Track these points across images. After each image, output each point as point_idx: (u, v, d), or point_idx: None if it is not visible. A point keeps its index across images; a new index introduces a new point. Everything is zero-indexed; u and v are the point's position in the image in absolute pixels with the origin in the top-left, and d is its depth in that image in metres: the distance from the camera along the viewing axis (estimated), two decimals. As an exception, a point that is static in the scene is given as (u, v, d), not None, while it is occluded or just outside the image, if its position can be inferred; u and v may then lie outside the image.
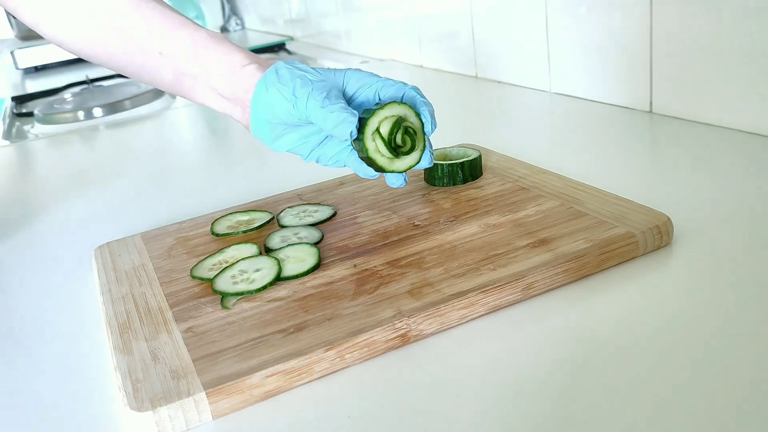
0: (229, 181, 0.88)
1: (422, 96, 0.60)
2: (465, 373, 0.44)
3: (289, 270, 0.55)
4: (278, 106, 0.59)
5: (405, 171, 0.59)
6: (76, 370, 0.51)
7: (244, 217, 0.68)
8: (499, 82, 1.20)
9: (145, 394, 0.43)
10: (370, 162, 0.58)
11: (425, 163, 0.59)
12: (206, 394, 0.42)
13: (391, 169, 0.58)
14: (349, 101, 0.61)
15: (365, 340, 0.46)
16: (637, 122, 0.88)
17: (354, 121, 0.56)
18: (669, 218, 0.55)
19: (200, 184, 0.90)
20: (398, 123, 0.57)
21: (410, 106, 0.58)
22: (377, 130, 0.57)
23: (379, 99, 0.60)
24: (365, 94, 0.61)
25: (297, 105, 0.58)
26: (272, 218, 0.67)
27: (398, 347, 0.47)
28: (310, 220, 0.66)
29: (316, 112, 0.57)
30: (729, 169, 0.69)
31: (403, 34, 1.47)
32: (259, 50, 1.86)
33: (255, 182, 0.86)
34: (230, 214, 0.69)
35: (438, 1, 1.31)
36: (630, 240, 0.54)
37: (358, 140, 0.57)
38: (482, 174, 0.71)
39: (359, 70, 0.62)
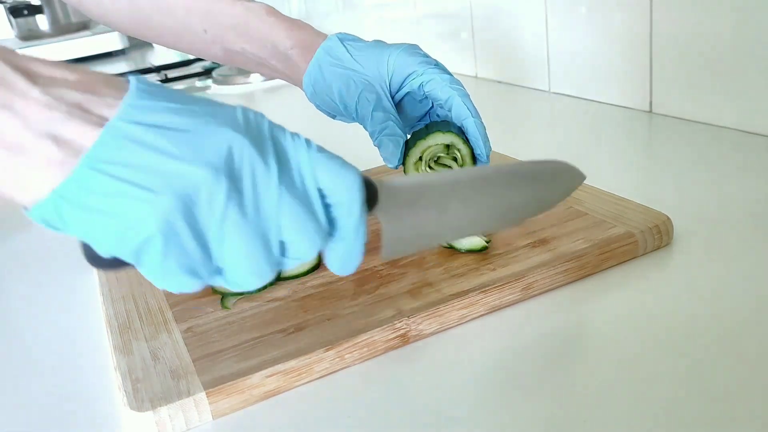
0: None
1: (471, 106, 0.57)
2: (465, 373, 0.44)
3: (289, 270, 0.55)
4: (330, 107, 0.61)
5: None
6: (76, 370, 0.51)
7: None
8: (499, 82, 1.20)
9: (145, 394, 0.43)
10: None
11: None
12: (206, 394, 0.42)
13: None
14: (394, 95, 0.59)
15: (365, 340, 0.46)
16: (636, 122, 0.88)
17: (399, 156, 0.55)
18: (669, 218, 0.55)
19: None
20: (443, 151, 0.56)
21: (457, 134, 0.55)
22: (420, 158, 0.56)
23: (424, 93, 0.58)
24: (411, 84, 0.59)
25: (347, 111, 0.59)
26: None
27: (398, 347, 0.47)
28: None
29: (366, 125, 0.57)
30: (729, 169, 0.69)
31: (403, 34, 1.47)
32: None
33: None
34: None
35: (438, 1, 1.31)
36: (629, 240, 0.54)
37: (402, 163, 0.57)
38: (482, 174, 0.71)
39: (405, 50, 0.59)
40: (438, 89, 0.57)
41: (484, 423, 0.39)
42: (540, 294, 0.51)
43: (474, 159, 0.58)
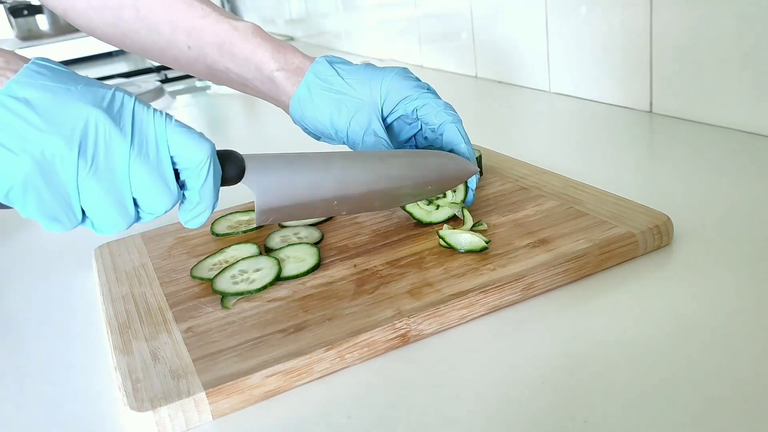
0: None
1: (463, 132, 0.58)
2: (465, 373, 0.44)
3: (289, 270, 0.55)
4: (317, 130, 0.61)
5: (442, 222, 0.60)
6: (76, 370, 0.51)
7: (244, 217, 0.68)
8: (499, 82, 1.20)
9: (145, 394, 0.43)
10: (405, 211, 0.59)
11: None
12: (206, 394, 0.42)
13: (428, 220, 0.59)
14: (385, 118, 0.60)
15: (365, 340, 0.46)
16: (637, 122, 0.88)
17: None
18: (669, 218, 0.55)
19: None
20: None
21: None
22: None
23: (417, 117, 0.59)
24: (404, 108, 0.60)
25: (337, 135, 0.60)
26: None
27: (398, 347, 0.47)
28: (311, 220, 0.65)
29: (356, 148, 0.58)
30: (729, 169, 0.69)
31: (403, 34, 1.47)
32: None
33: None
34: (230, 214, 0.69)
35: (438, 1, 1.31)
36: (630, 240, 0.54)
37: None
38: (482, 174, 0.71)
39: (398, 74, 0.60)
40: (432, 114, 0.59)
41: (484, 423, 0.39)
42: (540, 294, 0.51)
43: (465, 184, 0.59)
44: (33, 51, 2.15)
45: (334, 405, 0.43)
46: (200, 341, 0.48)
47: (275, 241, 0.61)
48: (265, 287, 0.53)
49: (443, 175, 0.57)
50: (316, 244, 0.60)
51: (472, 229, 0.58)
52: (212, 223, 0.67)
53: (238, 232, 0.65)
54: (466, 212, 0.60)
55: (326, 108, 0.59)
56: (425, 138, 0.63)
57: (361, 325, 0.47)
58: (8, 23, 2.48)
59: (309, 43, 1.95)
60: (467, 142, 0.59)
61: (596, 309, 0.49)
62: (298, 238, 0.61)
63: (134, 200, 0.43)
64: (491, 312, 0.50)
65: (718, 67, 0.78)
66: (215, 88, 1.49)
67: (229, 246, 0.61)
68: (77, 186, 0.41)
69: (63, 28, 2.45)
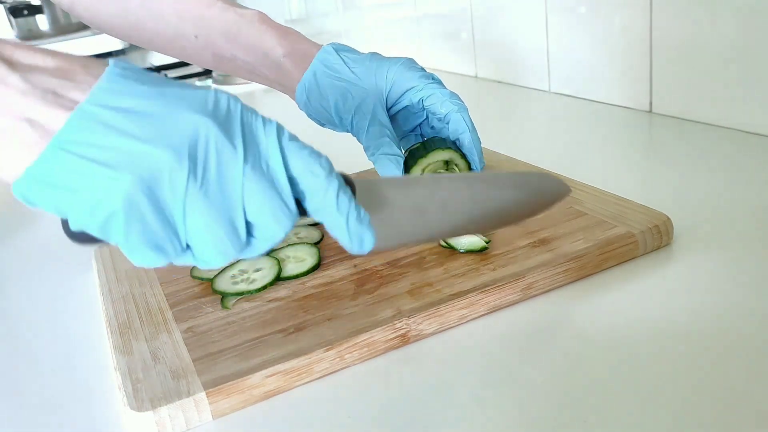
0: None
1: (468, 121, 0.59)
2: (465, 373, 0.44)
3: (289, 270, 0.55)
4: (322, 117, 0.60)
5: None
6: (76, 370, 0.51)
7: (244, 217, 0.68)
8: (499, 82, 1.20)
9: (145, 394, 0.43)
10: None
11: None
12: (206, 394, 0.42)
13: None
14: (390, 108, 0.60)
15: (365, 340, 0.46)
16: (637, 122, 0.88)
17: (399, 171, 0.56)
18: (669, 218, 0.55)
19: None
20: (443, 167, 0.57)
21: (455, 150, 0.58)
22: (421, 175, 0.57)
23: (423, 106, 0.60)
24: (409, 98, 0.60)
25: (341, 124, 0.59)
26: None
27: (398, 347, 0.47)
28: (311, 220, 0.65)
29: (361, 139, 0.58)
30: (729, 169, 0.69)
31: (403, 34, 1.47)
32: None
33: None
34: (230, 214, 0.69)
35: (438, 1, 1.31)
36: (630, 240, 0.54)
37: None
38: (482, 174, 0.71)
39: (404, 65, 0.60)
40: (438, 104, 0.59)
41: (484, 423, 0.39)
42: (540, 294, 0.51)
43: (468, 166, 0.59)
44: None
45: (334, 405, 0.43)
46: (200, 341, 0.48)
47: (275, 241, 0.61)
48: (265, 287, 0.53)
49: (541, 196, 0.52)
50: (316, 244, 0.60)
51: None
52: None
53: (238, 232, 0.65)
54: None
55: (331, 96, 0.59)
56: (432, 128, 0.63)
57: (361, 325, 0.47)
58: (8, 23, 2.48)
59: (309, 43, 1.94)
60: (473, 130, 0.59)
61: (596, 309, 0.49)
62: (298, 238, 0.61)
63: (247, 224, 0.37)
64: (491, 312, 0.50)
65: (718, 67, 0.78)
66: (215, 88, 1.49)
67: (229, 246, 0.61)
68: (184, 208, 0.34)
69: (63, 28, 2.45)
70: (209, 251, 0.36)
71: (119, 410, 0.45)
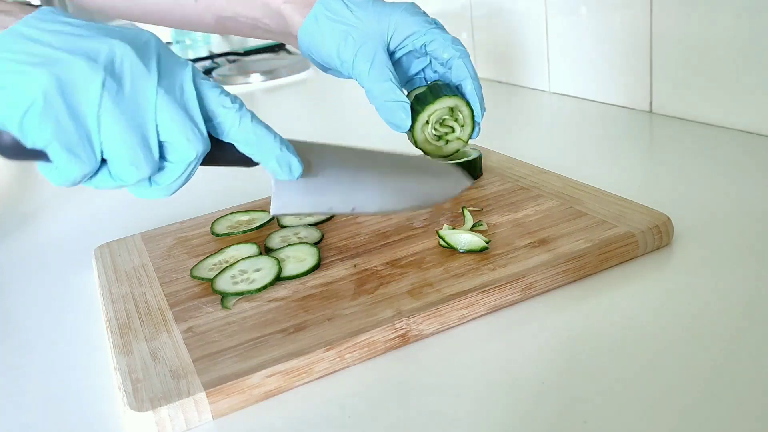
0: (229, 181, 0.88)
1: (471, 69, 0.60)
2: (465, 373, 0.44)
3: (289, 270, 0.55)
4: (326, 59, 0.60)
5: (450, 155, 0.61)
6: (76, 370, 0.51)
7: (244, 217, 0.68)
8: (499, 82, 1.20)
9: (145, 394, 0.43)
10: (417, 147, 0.61)
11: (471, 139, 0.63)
12: (206, 394, 0.42)
13: (438, 155, 0.61)
14: (393, 52, 0.60)
15: (365, 340, 0.46)
16: (637, 122, 0.88)
17: (408, 120, 0.57)
18: (669, 218, 0.55)
19: (200, 183, 0.89)
20: (448, 113, 0.58)
21: (461, 96, 0.59)
22: (427, 122, 0.58)
23: (425, 51, 0.60)
24: (412, 44, 0.60)
25: (343, 67, 0.59)
26: (272, 218, 0.67)
27: (398, 347, 0.47)
28: (311, 220, 0.66)
29: (363, 82, 0.58)
30: (729, 169, 0.69)
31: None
32: (259, 50, 1.86)
33: (255, 182, 0.86)
34: (230, 214, 0.69)
35: (438, 1, 1.31)
36: (630, 240, 0.54)
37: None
38: (482, 174, 0.71)
39: (407, 9, 0.60)
40: (441, 49, 0.60)
41: (484, 423, 0.39)
42: (540, 294, 0.51)
43: (473, 120, 0.61)
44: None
45: (334, 405, 0.43)
46: (200, 341, 0.48)
47: (275, 241, 0.61)
48: (265, 287, 0.53)
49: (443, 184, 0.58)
50: (316, 244, 0.60)
51: (472, 229, 0.58)
52: (212, 223, 0.67)
53: (238, 232, 0.65)
54: (466, 212, 0.60)
55: (333, 39, 0.59)
56: (435, 72, 0.64)
57: (361, 325, 0.47)
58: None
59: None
60: (474, 77, 0.60)
61: (596, 309, 0.49)
62: (298, 238, 0.61)
63: (160, 145, 0.40)
64: (491, 312, 0.50)
65: (718, 67, 0.78)
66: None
67: (229, 246, 0.61)
68: (98, 117, 0.37)
69: (63, 28, 2.44)
70: (123, 164, 0.39)
71: (119, 410, 0.45)
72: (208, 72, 1.62)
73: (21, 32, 0.37)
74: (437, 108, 0.58)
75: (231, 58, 1.80)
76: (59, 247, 0.74)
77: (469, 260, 0.54)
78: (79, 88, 0.37)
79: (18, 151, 0.38)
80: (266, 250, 0.60)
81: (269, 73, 1.49)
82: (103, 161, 0.39)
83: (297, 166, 0.45)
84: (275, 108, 1.28)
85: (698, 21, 0.79)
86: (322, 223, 0.65)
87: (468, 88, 0.60)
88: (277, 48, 1.89)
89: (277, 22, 0.63)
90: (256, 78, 1.47)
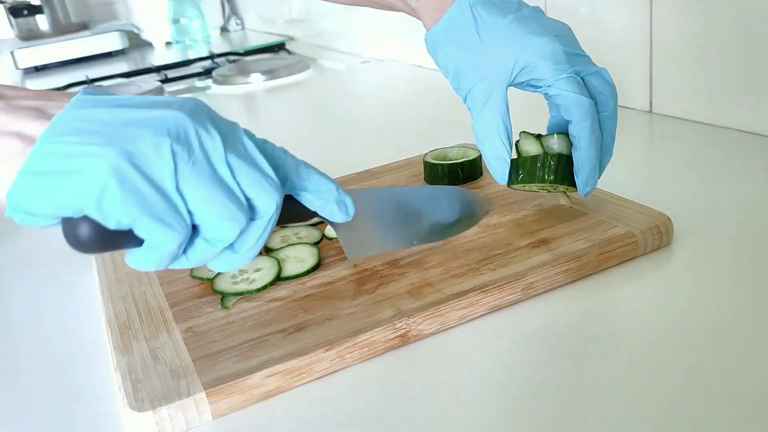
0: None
1: (593, 140, 0.53)
2: (465, 373, 0.44)
3: (289, 270, 0.55)
4: (444, 72, 0.57)
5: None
6: (76, 370, 0.51)
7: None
8: (499, 82, 1.20)
9: (145, 394, 0.43)
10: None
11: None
12: (206, 394, 0.42)
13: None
14: (512, 83, 0.55)
15: (365, 340, 0.46)
16: (637, 122, 0.88)
17: (504, 179, 0.55)
18: (669, 218, 0.55)
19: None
20: (549, 187, 0.57)
21: (566, 180, 0.54)
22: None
23: (547, 97, 0.54)
24: (534, 88, 0.55)
25: (458, 90, 0.56)
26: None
27: (398, 347, 0.47)
28: (312, 220, 0.65)
29: (472, 117, 0.55)
30: (729, 169, 0.69)
31: (403, 34, 1.47)
32: (258, 50, 1.86)
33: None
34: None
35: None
36: (630, 240, 0.54)
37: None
38: (482, 174, 0.71)
39: (539, 49, 0.53)
40: (564, 111, 0.53)
41: (484, 423, 0.39)
42: (540, 294, 0.51)
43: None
44: (33, 51, 2.15)
45: (334, 405, 0.43)
46: (200, 341, 0.48)
47: (275, 241, 0.61)
48: (265, 287, 0.53)
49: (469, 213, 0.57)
50: (316, 244, 0.60)
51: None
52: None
53: (238, 232, 0.65)
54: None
55: (452, 62, 0.55)
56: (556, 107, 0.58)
57: (361, 325, 0.47)
58: (8, 23, 2.48)
59: (309, 43, 1.94)
60: (588, 148, 0.52)
61: (596, 309, 0.49)
62: (298, 238, 0.61)
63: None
64: (491, 312, 0.50)
65: (718, 67, 0.78)
66: (215, 89, 1.49)
67: (229, 246, 0.61)
68: (177, 182, 0.36)
69: (63, 28, 2.45)
70: (219, 221, 0.37)
71: (119, 410, 0.45)
72: (208, 72, 1.62)
73: (73, 116, 0.36)
74: (534, 185, 0.56)
75: (231, 58, 1.80)
76: (59, 247, 0.74)
77: (469, 260, 0.54)
78: (151, 157, 0.35)
79: (98, 239, 0.36)
80: (266, 250, 0.60)
81: (269, 73, 1.49)
82: (193, 230, 0.38)
83: (351, 205, 0.44)
84: (275, 108, 1.28)
85: (698, 21, 0.79)
86: (323, 223, 0.65)
87: (576, 161, 0.53)
88: (277, 48, 1.90)
89: (411, 12, 0.64)
90: (256, 78, 1.47)
